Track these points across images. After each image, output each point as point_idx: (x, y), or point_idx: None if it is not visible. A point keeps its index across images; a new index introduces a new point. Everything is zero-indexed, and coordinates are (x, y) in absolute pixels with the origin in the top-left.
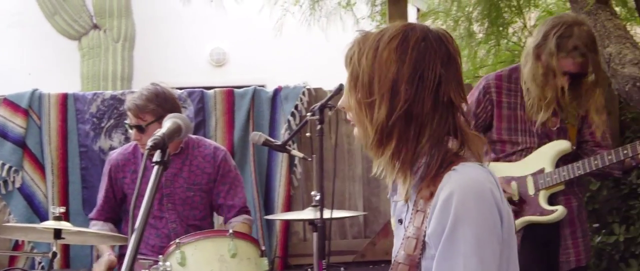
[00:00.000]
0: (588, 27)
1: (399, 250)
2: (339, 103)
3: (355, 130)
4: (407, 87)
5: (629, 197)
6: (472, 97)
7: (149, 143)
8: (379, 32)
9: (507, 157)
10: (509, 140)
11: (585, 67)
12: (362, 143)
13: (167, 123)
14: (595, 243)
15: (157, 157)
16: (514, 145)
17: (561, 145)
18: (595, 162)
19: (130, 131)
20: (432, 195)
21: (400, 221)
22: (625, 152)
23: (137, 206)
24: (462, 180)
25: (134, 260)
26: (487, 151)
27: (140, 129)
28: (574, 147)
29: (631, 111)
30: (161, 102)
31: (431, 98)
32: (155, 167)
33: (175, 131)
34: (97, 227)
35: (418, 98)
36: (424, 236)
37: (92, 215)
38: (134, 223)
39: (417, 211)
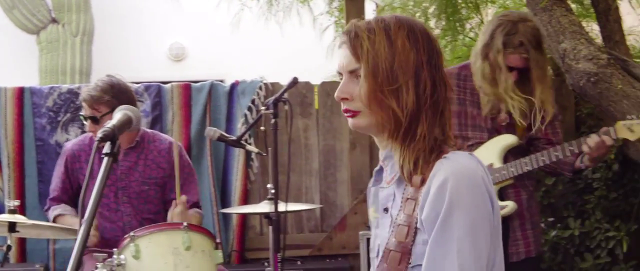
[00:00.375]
0: (533, 23)
1: (389, 237)
2: (340, 93)
3: (356, 121)
4: (427, 72)
5: (584, 192)
6: None
7: (99, 134)
8: (375, 23)
9: None
10: (460, 135)
11: (530, 62)
12: (374, 132)
13: (118, 115)
14: (550, 237)
15: (107, 148)
16: (465, 140)
17: (507, 140)
18: (542, 158)
19: (85, 122)
20: (423, 182)
21: (386, 209)
22: (571, 148)
23: (86, 197)
24: (455, 167)
25: (82, 251)
26: None
27: (95, 120)
28: (521, 141)
29: (586, 106)
30: (116, 94)
31: (443, 84)
32: (105, 159)
33: (126, 123)
34: (60, 208)
35: (437, 84)
36: (416, 222)
37: (48, 201)
38: (83, 215)
39: (408, 199)
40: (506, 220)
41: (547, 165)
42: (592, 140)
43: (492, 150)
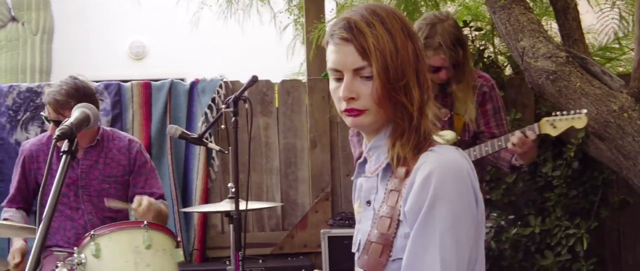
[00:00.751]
0: (451, 22)
1: (371, 229)
2: (348, 92)
3: (361, 120)
4: (422, 64)
5: (544, 189)
6: None
7: (57, 132)
8: (370, 15)
9: None
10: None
11: (448, 62)
12: (373, 129)
13: (76, 113)
14: (511, 235)
15: (65, 146)
16: None
17: (446, 135)
18: (474, 153)
19: (47, 123)
20: (407, 173)
21: (369, 202)
22: (499, 143)
23: (45, 195)
24: (441, 160)
25: (41, 249)
26: None
27: (58, 123)
28: (459, 137)
29: (545, 104)
30: (81, 98)
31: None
32: (63, 157)
33: (84, 120)
34: (9, 214)
35: (425, 76)
36: (399, 214)
37: (4, 203)
38: (41, 214)
39: (391, 190)
40: None
41: (489, 160)
42: (516, 136)
43: None
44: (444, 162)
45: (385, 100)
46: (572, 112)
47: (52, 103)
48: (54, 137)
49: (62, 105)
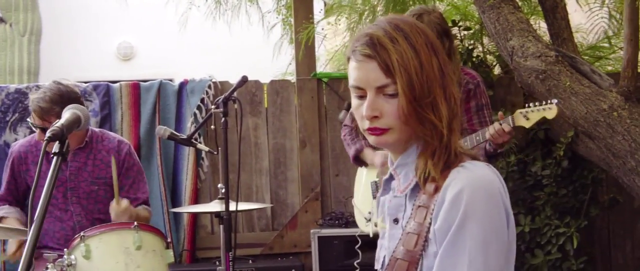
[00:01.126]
0: (437, 14)
1: (397, 246)
2: (372, 111)
3: (385, 138)
4: (448, 78)
5: (534, 188)
6: None
7: (48, 134)
8: (393, 29)
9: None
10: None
11: None
12: (398, 147)
13: (66, 114)
14: None
15: (55, 148)
16: None
17: None
18: None
19: (34, 129)
20: (437, 190)
21: (396, 220)
22: (477, 137)
23: (36, 198)
24: (472, 177)
25: (33, 251)
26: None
27: (45, 131)
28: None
29: (535, 103)
30: (66, 103)
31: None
32: (54, 158)
33: (75, 122)
34: (4, 210)
35: (452, 91)
36: (427, 231)
37: None
38: (33, 215)
39: (419, 207)
40: None
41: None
42: (493, 128)
43: None
44: (475, 179)
45: (412, 118)
46: (544, 102)
47: (37, 111)
48: (45, 138)
49: (47, 112)
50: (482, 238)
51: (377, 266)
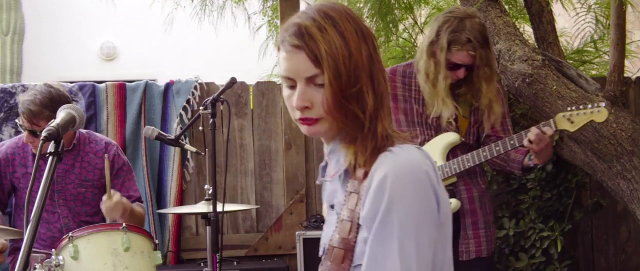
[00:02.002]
0: (479, 19)
1: (332, 234)
2: (302, 101)
3: (316, 128)
4: (377, 65)
5: (518, 192)
6: None
7: (44, 133)
8: (321, 18)
9: None
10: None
11: (477, 59)
12: (329, 136)
13: (61, 114)
14: None
15: (51, 148)
16: (413, 138)
17: (449, 138)
18: (484, 154)
19: (21, 130)
20: (366, 175)
21: (332, 206)
22: (511, 142)
23: (31, 201)
24: (397, 161)
25: (29, 251)
26: None
27: (34, 134)
28: (463, 138)
29: (520, 107)
30: (56, 107)
31: (385, 76)
32: (49, 158)
33: (70, 122)
34: None
35: (383, 76)
36: (358, 218)
37: None
38: (28, 216)
39: (351, 193)
40: (458, 218)
41: (497, 163)
42: (532, 132)
43: (434, 149)
44: (400, 163)
45: (336, 109)
46: (592, 105)
47: (27, 114)
48: (41, 138)
49: (36, 115)
50: (411, 223)
51: (320, 253)
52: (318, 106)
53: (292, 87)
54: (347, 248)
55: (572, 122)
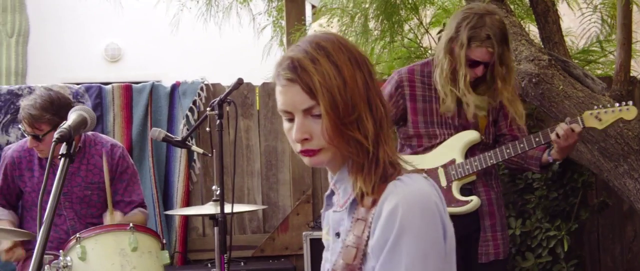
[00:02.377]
0: (500, 16)
1: (337, 259)
2: (301, 134)
3: (318, 159)
4: (374, 92)
5: (524, 191)
6: (383, 90)
7: (56, 135)
8: (314, 49)
9: (425, 151)
10: (426, 134)
11: (496, 56)
12: (334, 165)
13: (73, 116)
14: None
15: (63, 149)
16: (432, 138)
17: (469, 136)
18: (508, 151)
19: (25, 135)
20: (374, 203)
21: (338, 234)
22: (537, 139)
23: (44, 202)
24: (408, 191)
25: (43, 252)
26: (403, 147)
27: (36, 138)
28: (483, 137)
29: (526, 107)
30: (57, 110)
31: (383, 101)
32: (62, 160)
33: (82, 123)
34: None
35: (382, 102)
36: (365, 245)
37: None
38: (41, 217)
39: (358, 219)
40: (478, 219)
41: (514, 161)
42: (562, 127)
43: (454, 146)
44: (411, 193)
45: (337, 138)
46: (620, 104)
47: (27, 118)
48: (54, 140)
49: (37, 119)
50: (419, 253)
51: None
52: (318, 137)
53: (291, 120)
54: None
55: (600, 120)
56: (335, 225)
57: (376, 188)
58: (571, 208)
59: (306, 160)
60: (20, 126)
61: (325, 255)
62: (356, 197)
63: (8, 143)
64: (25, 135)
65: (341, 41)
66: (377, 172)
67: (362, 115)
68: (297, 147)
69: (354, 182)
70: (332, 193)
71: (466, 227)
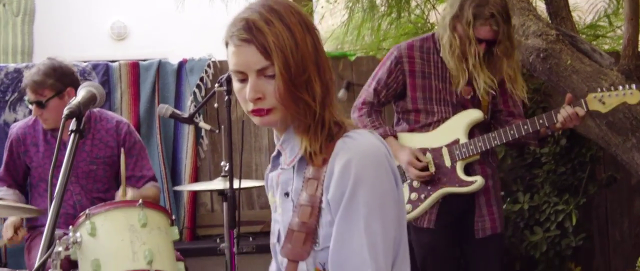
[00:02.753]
0: None
1: (291, 218)
2: (252, 93)
3: (269, 118)
4: (322, 55)
5: (532, 166)
6: (383, 66)
7: (65, 111)
8: (267, 12)
9: (423, 128)
10: (425, 110)
11: (500, 34)
12: (281, 126)
13: (82, 92)
14: None
15: (73, 125)
16: (429, 114)
17: (473, 115)
18: (511, 132)
19: (30, 107)
20: (325, 161)
21: (287, 194)
22: (541, 121)
23: (54, 176)
24: (358, 146)
25: (54, 228)
26: (399, 121)
27: (40, 105)
28: (487, 117)
29: (533, 82)
30: (59, 77)
31: (328, 65)
32: (72, 135)
33: (91, 99)
34: (2, 192)
35: (327, 67)
36: (320, 202)
37: None
38: (52, 192)
39: (309, 179)
40: (472, 196)
41: (518, 138)
42: (565, 111)
43: (457, 126)
44: (361, 147)
45: (288, 98)
46: (623, 87)
47: (31, 85)
48: (63, 116)
49: (40, 85)
50: (376, 203)
51: (273, 239)
52: (270, 96)
53: (243, 80)
54: (308, 231)
55: (603, 103)
56: (284, 185)
57: (323, 148)
58: (579, 182)
59: (257, 119)
60: (25, 98)
61: (275, 216)
62: (304, 156)
63: (15, 121)
64: (29, 105)
65: (292, 5)
66: (322, 133)
67: (312, 77)
68: (249, 106)
69: (301, 142)
70: (279, 154)
71: (462, 205)
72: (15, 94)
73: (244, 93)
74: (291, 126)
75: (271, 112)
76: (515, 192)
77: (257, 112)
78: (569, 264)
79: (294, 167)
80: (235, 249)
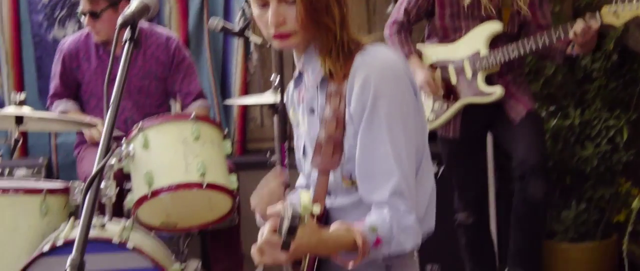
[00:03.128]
0: None
1: (319, 132)
2: (275, 18)
3: (289, 42)
4: None
5: (583, 81)
6: None
7: (119, 20)
8: None
9: (451, 43)
10: (452, 26)
11: None
12: (301, 49)
13: (135, 2)
14: (550, 126)
15: (127, 34)
16: (457, 30)
17: (492, 27)
18: (529, 45)
19: (82, 18)
20: (345, 76)
21: (312, 110)
22: (557, 34)
23: (110, 87)
24: (376, 60)
25: (110, 136)
26: (430, 35)
27: (94, 15)
28: (508, 28)
29: None
30: None
31: None
32: (126, 45)
33: (144, 9)
34: (62, 106)
35: None
36: (343, 115)
37: (49, 98)
38: (108, 101)
39: (332, 94)
40: (495, 105)
41: (538, 51)
42: (578, 25)
43: (477, 38)
44: (380, 61)
45: (309, 22)
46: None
47: None
48: (117, 25)
49: None
50: (397, 112)
51: (299, 154)
52: (291, 21)
53: (264, 6)
54: (336, 143)
55: (617, 17)
56: (309, 102)
57: (344, 64)
58: (630, 97)
59: (277, 43)
60: (77, 11)
61: (298, 131)
62: (325, 75)
63: (64, 36)
64: (83, 15)
65: None
66: (343, 52)
67: (330, 1)
68: (271, 31)
69: (322, 62)
70: (301, 75)
71: (486, 115)
72: (64, 11)
73: (265, 18)
74: (310, 48)
75: (292, 36)
76: (565, 107)
77: (278, 36)
78: (619, 179)
79: (317, 86)
80: (286, 161)
